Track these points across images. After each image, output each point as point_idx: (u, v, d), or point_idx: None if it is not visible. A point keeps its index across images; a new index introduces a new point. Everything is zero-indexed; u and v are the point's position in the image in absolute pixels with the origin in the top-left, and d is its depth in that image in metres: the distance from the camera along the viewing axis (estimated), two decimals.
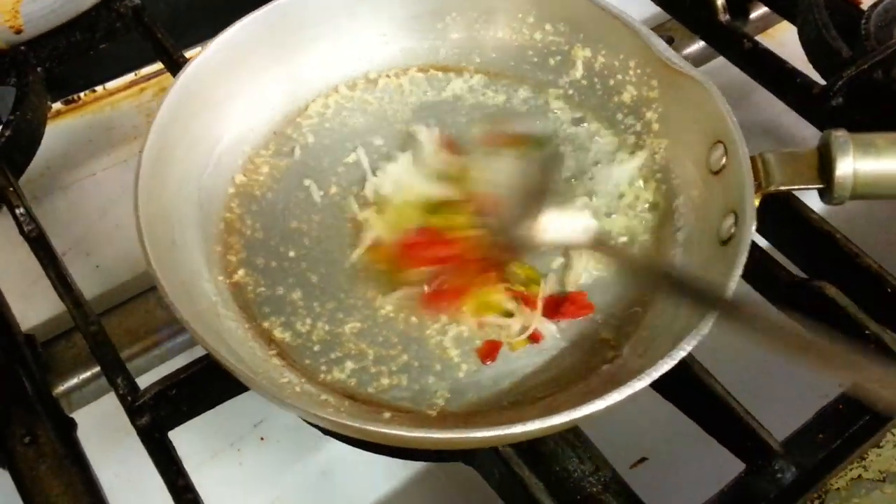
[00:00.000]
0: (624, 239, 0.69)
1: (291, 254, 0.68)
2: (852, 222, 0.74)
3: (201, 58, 0.70)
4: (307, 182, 0.72)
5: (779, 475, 0.58)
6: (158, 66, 0.96)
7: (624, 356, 0.62)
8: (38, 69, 0.85)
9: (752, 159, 0.63)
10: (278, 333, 0.64)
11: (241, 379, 0.54)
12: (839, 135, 0.63)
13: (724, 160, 0.65)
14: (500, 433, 0.52)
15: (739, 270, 0.57)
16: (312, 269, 0.67)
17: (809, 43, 0.88)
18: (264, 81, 0.75)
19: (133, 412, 0.60)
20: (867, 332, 0.64)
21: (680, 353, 0.53)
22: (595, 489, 0.59)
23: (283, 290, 0.66)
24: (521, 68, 0.80)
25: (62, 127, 0.97)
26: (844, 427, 0.61)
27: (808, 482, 0.58)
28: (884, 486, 0.57)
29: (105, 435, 0.67)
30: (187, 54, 0.86)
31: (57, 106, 0.98)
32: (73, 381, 0.73)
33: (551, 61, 0.79)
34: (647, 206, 0.71)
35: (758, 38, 0.87)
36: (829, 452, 0.60)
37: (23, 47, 0.83)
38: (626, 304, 0.65)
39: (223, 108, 0.72)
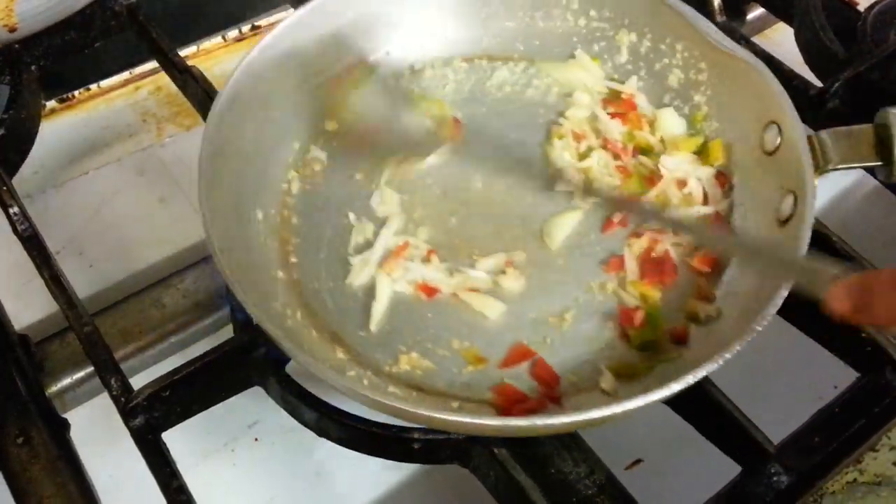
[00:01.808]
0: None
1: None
2: (848, 225, 0.75)
3: (249, 59, 0.69)
4: (358, 175, 0.72)
5: (774, 479, 0.58)
6: (153, 64, 0.96)
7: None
8: (32, 67, 0.84)
9: (808, 139, 0.63)
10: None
11: (322, 375, 0.54)
12: None
13: (778, 140, 0.65)
14: (579, 419, 0.52)
15: (805, 246, 0.58)
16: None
17: (806, 44, 0.88)
18: (310, 77, 0.74)
19: (126, 413, 0.60)
20: (863, 334, 0.64)
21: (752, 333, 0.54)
22: (590, 491, 0.59)
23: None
24: (566, 56, 0.79)
25: (57, 125, 0.97)
26: (840, 430, 0.61)
27: (803, 486, 0.58)
28: (879, 490, 0.57)
29: (99, 435, 0.66)
30: (182, 53, 0.86)
31: (51, 104, 0.97)
32: (67, 381, 0.73)
33: (595, 47, 0.79)
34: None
35: (754, 39, 0.87)
36: (825, 456, 0.60)
37: (17, 45, 0.83)
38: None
39: (273, 106, 0.71)
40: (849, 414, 0.62)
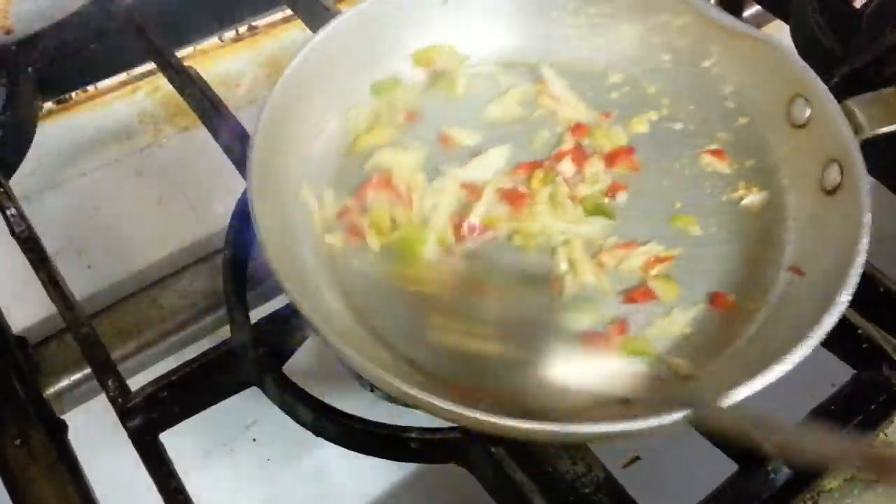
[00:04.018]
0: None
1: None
2: None
3: (296, 63, 0.67)
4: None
5: (772, 476, 0.58)
6: (151, 65, 0.96)
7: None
8: (29, 69, 0.84)
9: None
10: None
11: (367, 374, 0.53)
12: None
13: (808, 112, 0.65)
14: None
15: (867, 212, 0.58)
16: None
17: (802, 41, 0.88)
18: (355, 82, 0.73)
19: (124, 414, 0.60)
20: (859, 331, 0.64)
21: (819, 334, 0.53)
22: (588, 490, 0.59)
23: None
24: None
25: (54, 127, 0.97)
26: (837, 428, 0.61)
27: (801, 483, 0.58)
28: (877, 487, 0.57)
29: (97, 437, 0.66)
30: (179, 54, 0.85)
31: (49, 106, 0.97)
32: (65, 382, 0.73)
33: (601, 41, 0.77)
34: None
35: None
36: None
37: (13, 47, 0.83)
38: None
39: (317, 110, 0.70)
40: (845, 411, 0.62)
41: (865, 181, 0.59)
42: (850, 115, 0.63)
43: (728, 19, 0.71)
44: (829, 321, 0.53)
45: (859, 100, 0.65)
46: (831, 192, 0.62)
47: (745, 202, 0.68)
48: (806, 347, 0.53)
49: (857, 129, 0.63)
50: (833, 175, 0.62)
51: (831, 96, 0.63)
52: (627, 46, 0.76)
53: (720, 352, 0.60)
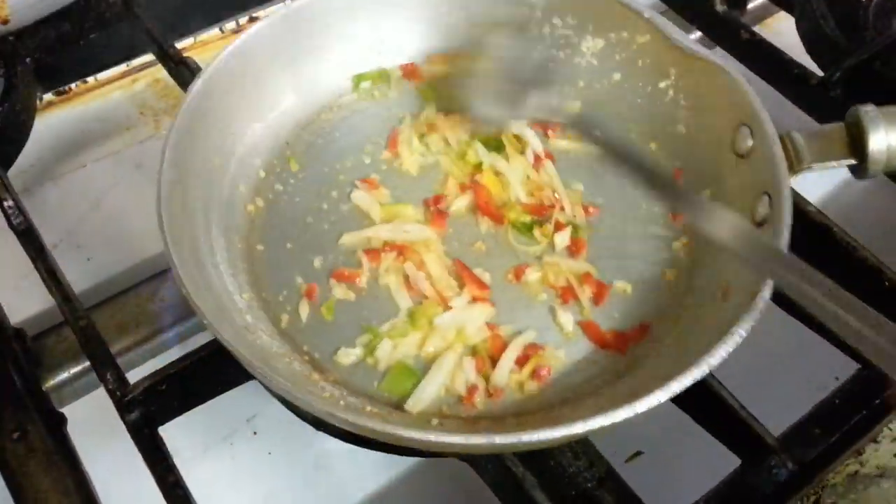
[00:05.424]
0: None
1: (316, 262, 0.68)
2: (849, 215, 0.74)
3: (211, 68, 0.68)
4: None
5: (775, 471, 0.58)
6: (150, 56, 0.95)
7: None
8: (27, 60, 0.84)
9: (781, 139, 0.62)
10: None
11: (289, 397, 0.53)
12: (868, 109, 0.62)
13: (750, 142, 0.64)
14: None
15: (785, 246, 0.57)
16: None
17: (807, 33, 0.88)
18: (280, 86, 0.74)
19: (123, 407, 0.60)
20: None
21: (735, 338, 0.53)
22: (590, 484, 0.58)
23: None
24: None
25: (53, 118, 0.97)
26: (841, 422, 0.61)
27: (804, 478, 0.58)
28: (881, 482, 0.57)
29: (95, 429, 0.66)
30: (178, 45, 0.85)
31: (48, 97, 0.97)
32: (64, 375, 0.73)
33: (561, 55, 0.77)
34: None
35: (755, 28, 0.87)
36: (826, 448, 0.60)
37: (11, 38, 0.83)
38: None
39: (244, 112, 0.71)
40: (850, 405, 0.62)
41: (789, 217, 0.58)
42: (792, 147, 0.63)
43: (686, 41, 0.70)
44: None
45: (805, 132, 0.64)
46: (759, 224, 0.62)
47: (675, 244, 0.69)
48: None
49: (794, 162, 0.62)
50: (763, 207, 0.61)
51: (773, 127, 0.62)
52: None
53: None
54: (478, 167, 0.73)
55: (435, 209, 0.70)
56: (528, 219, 0.69)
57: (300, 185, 0.72)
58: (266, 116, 0.73)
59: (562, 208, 0.70)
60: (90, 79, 0.99)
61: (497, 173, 0.72)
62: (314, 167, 0.73)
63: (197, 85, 0.66)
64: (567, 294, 0.65)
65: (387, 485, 0.71)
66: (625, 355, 0.63)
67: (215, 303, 0.59)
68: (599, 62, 0.76)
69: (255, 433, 0.74)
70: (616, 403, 0.51)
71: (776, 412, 0.61)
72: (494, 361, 0.62)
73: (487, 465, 0.60)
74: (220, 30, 1.04)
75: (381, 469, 0.72)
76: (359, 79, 0.78)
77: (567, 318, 0.64)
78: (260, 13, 1.06)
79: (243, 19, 1.06)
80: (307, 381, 0.60)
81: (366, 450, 0.62)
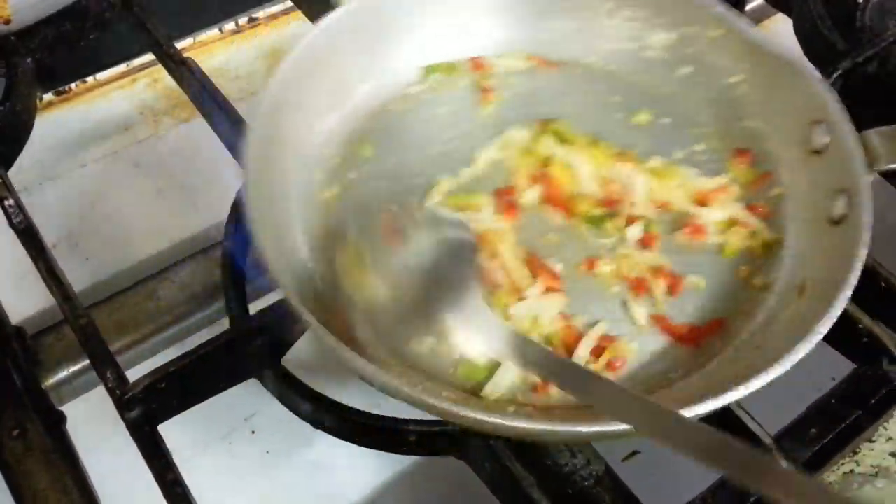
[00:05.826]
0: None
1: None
2: None
3: (294, 54, 0.67)
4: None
5: None
6: (150, 57, 0.96)
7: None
8: (28, 60, 0.84)
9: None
10: None
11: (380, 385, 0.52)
12: None
13: (826, 139, 0.64)
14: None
15: (865, 247, 0.57)
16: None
17: (805, 35, 0.88)
18: (357, 73, 0.73)
19: (122, 405, 0.60)
20: (860, 325, 0.64)
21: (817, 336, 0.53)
22: (587, 483, 0.59)
23: None
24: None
25: (54, 118, 0.97)
26: (837, 421, 0.61)
27: None
28: (876, 481, 0.57)
29: (95, 428, 0.66)
30: (179, 45, 0.85)
31: (48, 97, 0.97)
32: (63, 373, 0.73)
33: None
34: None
35: None
36: (822, 447, 0.60)
37: (12, 37, 0.83)
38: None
39: (314, 103, 0.70)
40: (845, 405, 0.62)
41: (869, 216, 0.58)
42: (867, 146, 0.62)
43: (760, 36, 0.70)
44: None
45: (880, 131, 0.63)
46: (836, 222, 0.61)
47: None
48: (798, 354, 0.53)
49: (871, 162, 0.62)
50: (840, 205, 0.61)
51: (851, 126, 0.63)
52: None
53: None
54: (546, 160, 0.72)
55: (506, 200, 0.69)
56: (599, 211, 0.69)
57: (374, 172, 0.71)
58: (343, 104, 0.72)
59: (632, 203, 0.69)
60: (90, 79, 1.00)
61: (566, 166, 0.71)
62: (386, 157, 0.72)
63: (283, 69, 0.66)
64: (640, 286, 0.64)
65: (385, 483, 0.72)
66: (699, 349, 0.62)
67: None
68: (670, 55, 0.76)
69: (253, 432, 0.75)
70: (693, 398, 0.51)
71: (772, 411, 0.61)
72: (568, 351, 0.61)
73: (485, 463, 0.60)
74: (220, 30, 1.05)
75: (379, 468, 0.72)
76: (429, 70, 0.77)
77: (640, 311, 0.63)
78: (260, 14, 1.07)
79: (243, 20, 1.06)
80: (387, 367, 0.59)
81: (364, 449, 0.62)
